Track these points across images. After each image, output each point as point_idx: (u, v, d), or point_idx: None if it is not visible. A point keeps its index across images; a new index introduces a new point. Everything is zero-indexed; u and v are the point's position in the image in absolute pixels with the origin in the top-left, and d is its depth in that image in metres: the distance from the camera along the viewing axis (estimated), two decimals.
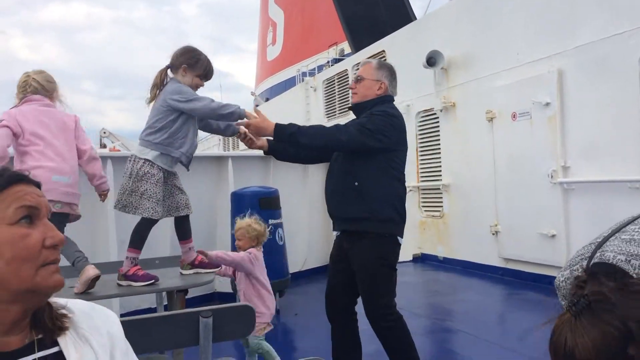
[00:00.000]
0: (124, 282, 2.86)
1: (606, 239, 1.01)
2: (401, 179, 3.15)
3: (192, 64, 2.90)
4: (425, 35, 8.58)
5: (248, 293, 3.45)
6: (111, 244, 5.00)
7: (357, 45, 12.41)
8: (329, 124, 13.57)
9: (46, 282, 0.93)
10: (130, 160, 2.85)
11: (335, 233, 3.28)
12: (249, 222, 3.56)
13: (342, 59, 13.85)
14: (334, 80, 12.33)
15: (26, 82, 3.03)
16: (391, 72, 3.27)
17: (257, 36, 31.28)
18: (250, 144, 3.14)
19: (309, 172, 7.35)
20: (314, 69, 15.66)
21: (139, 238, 2.90)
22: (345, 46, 15.89)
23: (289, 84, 19.09)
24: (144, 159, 2.81)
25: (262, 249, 3.58)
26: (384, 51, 9.90)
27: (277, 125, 2.96)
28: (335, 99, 12.37)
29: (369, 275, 3.00)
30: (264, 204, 5.47)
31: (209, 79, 3.01)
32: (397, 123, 3.08)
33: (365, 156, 3.02)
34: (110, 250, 4.97)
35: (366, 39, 11.35)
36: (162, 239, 5.12)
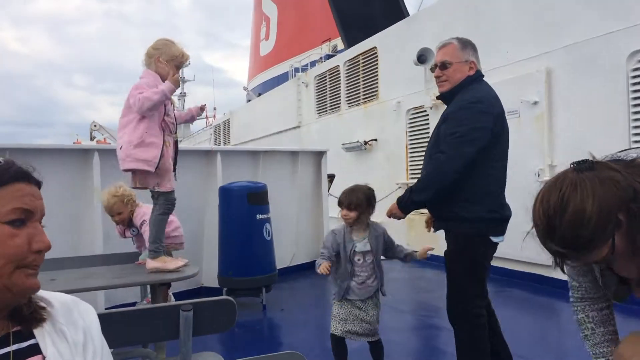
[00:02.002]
0: None
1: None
2: (495, 172, 2.96)
3: None
4: (417, 33, 8.57)
5: None
6: (97, 237, 4.95)
7: (350, 41, 12.41)
8: (319, 120, 13.35)
9: (21, 283, 0.95)
10: None
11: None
12: (110, 193, 3.46)
13: (335, 55, 13.85)
14: (326, 76, 12.32)
15: None
16: (474, 48, 2.98)
17: (251, 31, 31.23)
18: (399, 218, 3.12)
19: (298, 167, 7.34)
20: (307, 64, 15.63)
21: None
22: (339, 42, 15.88)
23: (282, 79, 19.05)
24: None
25: (140, 204, 3.53)
26: (375, 47, 9.87)
27: (398, 200, 3.02)
28: (326, 95, 12.35)
29: (448, 269, 2.96)
30: (253, 199, 5.46)
31: None
32: (483, 107, 2.78)
33: None
34: (95, 243, 4.92)
35: (359, 35, 11.35)
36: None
